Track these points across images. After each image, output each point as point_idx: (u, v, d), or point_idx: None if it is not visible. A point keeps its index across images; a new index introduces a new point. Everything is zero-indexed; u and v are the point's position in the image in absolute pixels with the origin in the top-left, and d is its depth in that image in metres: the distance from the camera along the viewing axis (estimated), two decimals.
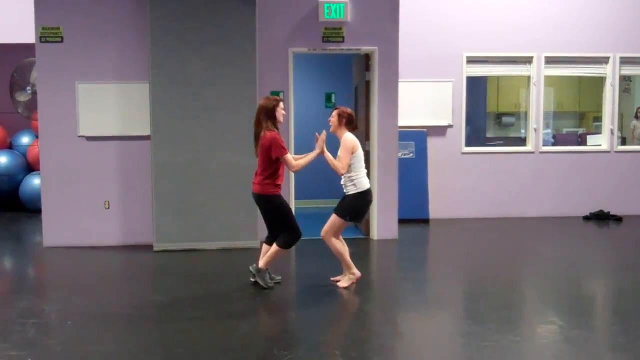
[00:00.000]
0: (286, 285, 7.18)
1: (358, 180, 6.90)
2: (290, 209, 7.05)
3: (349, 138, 6.92)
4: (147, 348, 5.32)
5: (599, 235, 10.46)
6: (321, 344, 5.33)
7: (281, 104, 6.88)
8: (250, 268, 7.03)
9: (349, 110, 7.10)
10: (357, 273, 7.09)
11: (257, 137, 6.79)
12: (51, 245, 9.26)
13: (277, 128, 6.80)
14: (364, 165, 7.01)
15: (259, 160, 6.83)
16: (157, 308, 6.41)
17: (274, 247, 6.87)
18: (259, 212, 8.82)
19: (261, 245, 7.27)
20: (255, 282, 6.93)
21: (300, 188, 10.98)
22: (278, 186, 6.82)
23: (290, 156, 6.79)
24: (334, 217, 6.95)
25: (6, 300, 6.86)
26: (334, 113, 7.06)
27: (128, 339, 5.55)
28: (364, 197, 6.95)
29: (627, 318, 6.10)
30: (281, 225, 6.89)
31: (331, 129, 7.07)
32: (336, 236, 7.02)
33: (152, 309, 6.38)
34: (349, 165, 6.87)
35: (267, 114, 6.76)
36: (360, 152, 6.95)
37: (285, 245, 6.87)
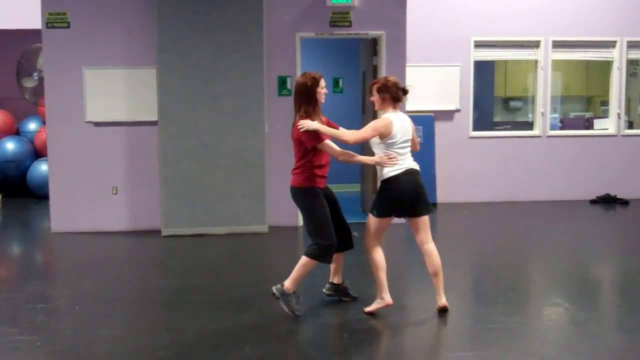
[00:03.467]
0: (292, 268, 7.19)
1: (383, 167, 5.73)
2: (323, 209, 5.66)
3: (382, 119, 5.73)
4: (156, 332, 5.36)
5: (605, 218, 10.45)
6: (329, 326, 5.36)
7: (322, 82, 5.65)
8: (274, 290, 5.68)
9: (384, 79, 5.90)
10: (388, 299, 5.75)
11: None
12: (59, 230, 9.29)
13: (315, 113, 5.60)
14: (400, 150, 5.68)
15: (294, 149, 5.77)
16: (166, 293, 6.45)
17: (302, 258, 5.67)
18: (267, 196, 8.83)
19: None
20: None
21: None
22: (311, 178, 5.65)
23: (330, 143, 5.62)
24: (368, 216, 5.97)
25: (15, 285, 6.91)
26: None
27: (136, 323, 5.59)
28: (386, 187, 5.73)
29: (633, 300, 6.11)
30: (310, 227, 5.69)
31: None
32: (377, 241, 5.94)
33: (160, 294, 6.41)
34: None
35: (304, 95, 5.59)
36: (393, 136, 5.63)
37: (312, 254, 5.60)
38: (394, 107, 5.78)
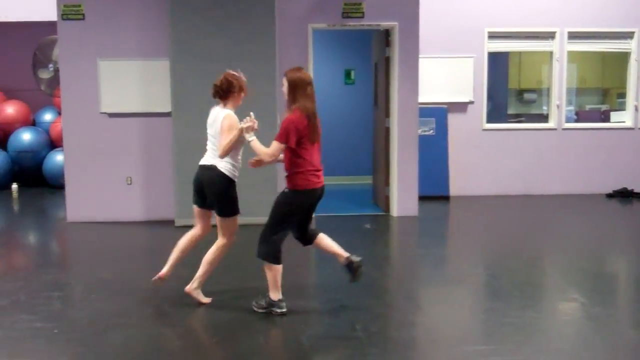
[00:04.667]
0: (307, 262, 7.20)
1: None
2: (287, 215, 5.50)
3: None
4: (170, 321, 5.39)
5: (622, 212, 10.39)
6: (341, 320, 5.36)
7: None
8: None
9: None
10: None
11: None
12: (74, 220, 9.36)
13: (303, 109, 5.33)
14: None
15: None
16: (180, 282, 6.46)
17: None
18: (279, 187, 8.81)
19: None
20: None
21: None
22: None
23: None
24: None
25: (32, 274, 6.96)
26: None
27: (151, 312, 5.62)
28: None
29: None
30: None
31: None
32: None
33: (174, 283, 6.43)
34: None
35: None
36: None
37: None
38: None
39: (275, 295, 5.49)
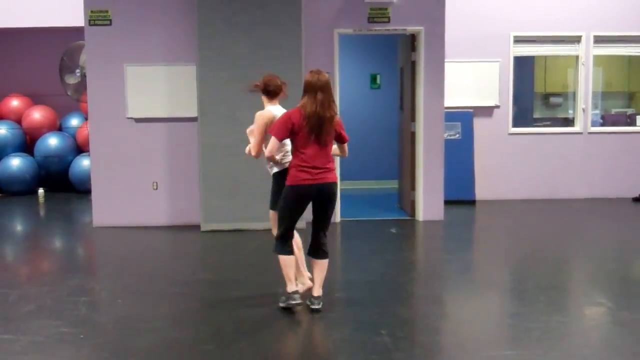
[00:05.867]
0: (332, 266, 7.21)
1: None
2: (288, 207, 5.64)
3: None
4: (196, 326, 5.41)
5: None
6: (367, 324, 5.36)
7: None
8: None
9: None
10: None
11: None
12: (101, 225, 9.43)
13: (303, 108, 5.50)
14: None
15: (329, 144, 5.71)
16: (205, 287, 6.51)
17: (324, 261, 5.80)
18: None
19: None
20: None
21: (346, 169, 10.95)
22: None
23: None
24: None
25: (58, 279, 7.02)
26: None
27: (177, 317, 5.65)
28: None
29: None
30: (329, 223, 5.85)
31: None
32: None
33: (200, 288, 6.47)
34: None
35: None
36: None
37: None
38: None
39: (289, 287, 5.63)
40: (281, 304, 5.72)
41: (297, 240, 5.94)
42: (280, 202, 5.66)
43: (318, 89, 5.48)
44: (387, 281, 6.62)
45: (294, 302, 5.60)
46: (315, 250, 5.75)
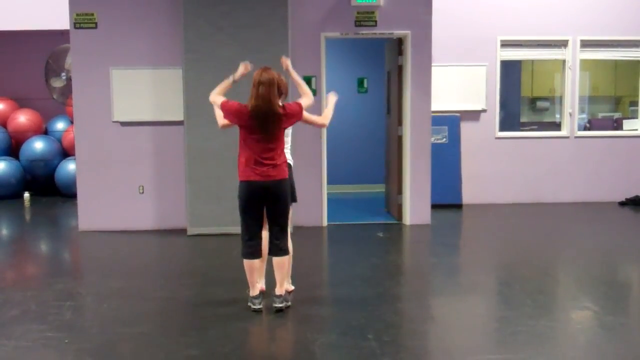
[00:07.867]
0: (318, 271, 7.19)
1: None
2: (240, 205, 5.77)
3: None
4: (182, 330, 5.38)
5: (634, 220, 10.32)
6: (354, 328, 5.34)
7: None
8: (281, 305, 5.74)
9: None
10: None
11: None
12: (86, 229, 9.37)
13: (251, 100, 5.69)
14: None
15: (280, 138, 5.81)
16: (191, 291, 6.47)
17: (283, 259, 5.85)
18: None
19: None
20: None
21: (332, 172, 10.94)
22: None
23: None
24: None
25: (43, 283, 6.97)
26: None
27: (163, 322, 5.61)
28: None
29: None
30: (286, 220, 5.88)
31: None
32: None
33: (186, 292, 6.43)
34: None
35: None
36: None
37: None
38: None
39: (250, 291, 5.74)
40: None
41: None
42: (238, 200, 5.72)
43: (260, 84, 5.60)
44: (373, 285, 6.61)
45: (253, 307, 5.66)
46: (270, 248, 5.80)
